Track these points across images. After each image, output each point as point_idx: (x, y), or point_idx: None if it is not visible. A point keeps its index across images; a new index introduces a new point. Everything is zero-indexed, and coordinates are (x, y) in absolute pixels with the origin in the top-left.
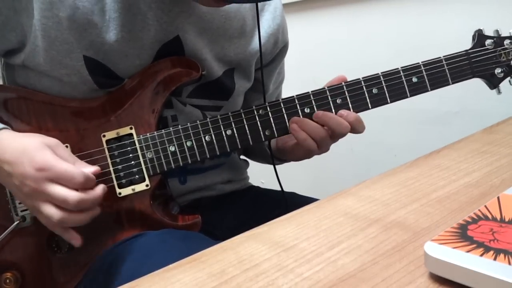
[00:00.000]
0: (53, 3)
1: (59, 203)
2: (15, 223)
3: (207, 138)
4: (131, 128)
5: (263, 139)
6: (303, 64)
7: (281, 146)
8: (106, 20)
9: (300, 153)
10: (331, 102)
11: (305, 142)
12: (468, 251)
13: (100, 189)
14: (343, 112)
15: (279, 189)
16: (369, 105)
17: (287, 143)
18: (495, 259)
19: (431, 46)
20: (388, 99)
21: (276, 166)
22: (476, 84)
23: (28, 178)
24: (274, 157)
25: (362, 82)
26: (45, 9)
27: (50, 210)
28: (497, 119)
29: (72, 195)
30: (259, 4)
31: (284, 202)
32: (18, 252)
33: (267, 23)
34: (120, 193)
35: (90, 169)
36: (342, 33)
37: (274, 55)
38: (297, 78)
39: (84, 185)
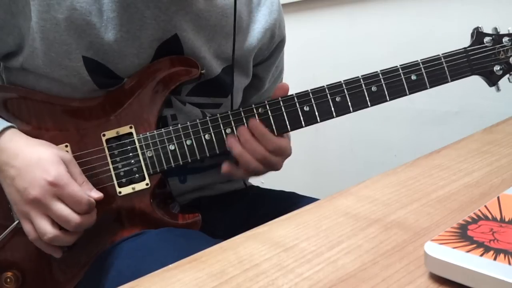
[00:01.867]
0: (50, 5)
1: (59, 221)
2: (15, 222)
3: (206, 136)
4: (131, 127)
5: None
6: (303, 63)
7: None
8: (104, 20)
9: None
10: (330, 100)
11: (241, 158)
12: (468, 251)
13: (94, 213)
14: (253, 123)
15: (279, 189)
16: (368, 103)
17: None
18: (495, 259)
19: (430, 45)
20: (387, 97)
21: None
22: (476, 84)
23: (37, 187)
24: None
25: (361, 80)
26: (43, 11)
27: (46, 226)
28: (497, 119)
29: (75, 217)
30: None
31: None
32: (19, 252)
33: (263, 17)
34: (120, 192)
35: (95, 195)
36: (341, 33)
37: (271, 50)
38: (297, 77)
39: (86, 212)
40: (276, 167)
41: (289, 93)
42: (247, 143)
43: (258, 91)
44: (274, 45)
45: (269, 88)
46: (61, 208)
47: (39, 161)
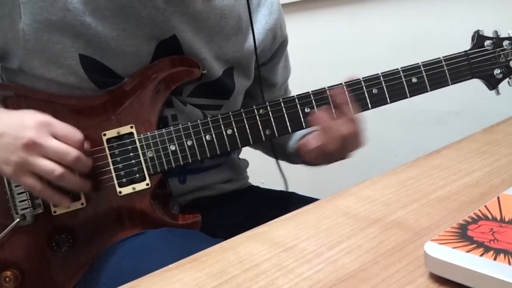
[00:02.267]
0: (43, 7)
1: (59, 156)
2: (15, 221)
3: (207, 137)
4: (131, 127)
5: (264, 139)
6: (304, 64)
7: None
8: (100, 20)
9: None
10: (331, 102)
11: (330, 131)
12: (468, 251)
13: (91, 160)
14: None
15: (279, 189)
16: (369, 105)
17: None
18: (495, 259)
19: (430, 45)
20: (388, 99)
21: (277, 166)
22: (476, 84)
23: (29, 128)
24: (298, 159)
25: (362, 82)
26: (36, 14)
27: (50, 164)
28: (497, 119)
29: (73, 149)
30: (255, 0)
31: (285, 199)
32: (18, 251)
33: (264, 18)
34: (120, 192)
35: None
36: (342, 33)
37: (273, 50)
38: (297, 78)
39: (79, 146)
40: (348, 154)
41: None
42: (334, 120)
43: (271, 88)
44: (276, 45)
45: (280, 87)
46: (58, 143)
47: (24, 114)
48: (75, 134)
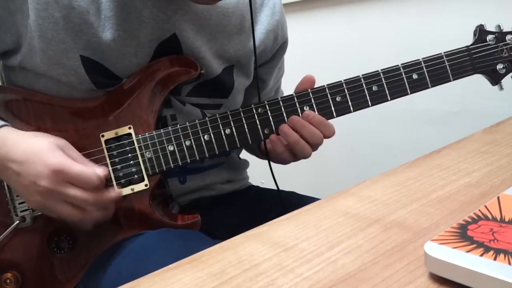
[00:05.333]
0: (48, 3)
1: (78, 204)
2: (15, 223)
3: (206, 137)
4: (129, 128)
5: (262, 138)
6: (303, 64)
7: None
8: (102, 20)
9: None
10: (330, 100)
11: (298, 145)
12: (468, 251)
13: (115, 192)
14: (308, 113)
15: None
16: (369, 102)
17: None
18: (495, 259)
19: (432, 45)
20: (388, 96)
21: (276, 165)
22: (477, 84)
23: (43, 178)
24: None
25: (362, 80)
26: (41, 10)
27: (70, 211)
28: (497, 119)
29: (90, 196)
30: (258, 0)
31: (281, 201)
32: (18, 253)
33: (266, 19)
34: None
35: (101, 170)
36: (342, 33)
37: (274, 51)
38: (297, 77)
39: (98, 186)
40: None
41: (289, 94)
42: (303, 128)
43: (260, 91)
44: (277, 46)
45: (270, 89)
46: (74, 191)
47: (37, 153)
48: (91, 177)
